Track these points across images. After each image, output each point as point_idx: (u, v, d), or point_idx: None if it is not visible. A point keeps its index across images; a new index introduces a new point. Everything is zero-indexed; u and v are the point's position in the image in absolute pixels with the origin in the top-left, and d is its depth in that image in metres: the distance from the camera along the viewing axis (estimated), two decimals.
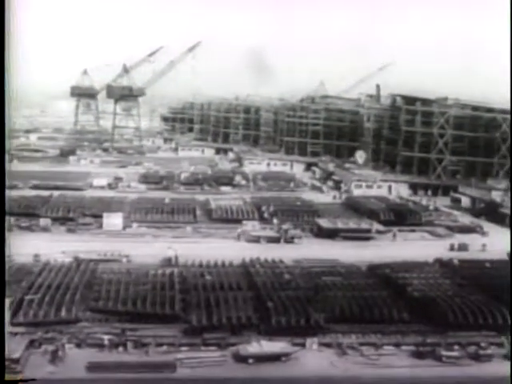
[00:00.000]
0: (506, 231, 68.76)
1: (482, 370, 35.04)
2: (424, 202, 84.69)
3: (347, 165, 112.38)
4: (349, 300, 41.33)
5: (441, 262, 52.27)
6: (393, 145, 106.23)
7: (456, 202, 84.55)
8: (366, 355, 36.32)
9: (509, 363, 33.94)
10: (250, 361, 34.56)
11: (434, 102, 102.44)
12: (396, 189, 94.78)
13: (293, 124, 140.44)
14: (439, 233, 68.05)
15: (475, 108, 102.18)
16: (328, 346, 37.10)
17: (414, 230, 69.61)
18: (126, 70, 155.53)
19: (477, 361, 35.97)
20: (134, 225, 67.70)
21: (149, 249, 56.95)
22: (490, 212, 75.98)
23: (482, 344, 36.92)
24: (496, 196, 79.36)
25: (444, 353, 35.95)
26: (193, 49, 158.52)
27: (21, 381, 29.17)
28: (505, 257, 55.10)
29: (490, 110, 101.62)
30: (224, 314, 38.15)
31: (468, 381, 34.14)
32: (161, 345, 35.52)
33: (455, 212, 79.20)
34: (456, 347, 36.60)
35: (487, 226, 72.08)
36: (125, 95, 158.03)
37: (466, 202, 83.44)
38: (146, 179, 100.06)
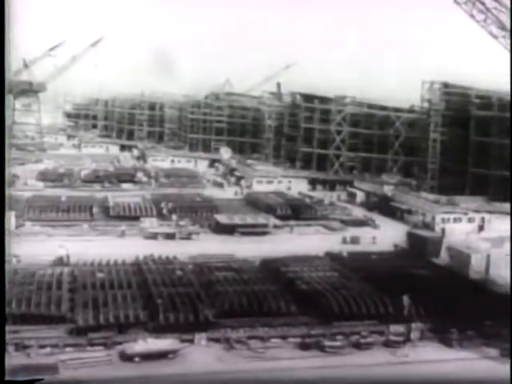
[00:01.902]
0: (395, 224, 71.93)
1: (361, 358, 36.47)
2: (321, 196, 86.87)
3: (249, 161, 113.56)
4: (239, 294, 41.86)
5: (331, 255, 53.86)
6: (293, 141, 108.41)
7: (351, 197, 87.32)
8: (253, 348, 37.02)
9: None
10: (137, 359, 34.48)
11: (331, 100, 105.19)
12: (296, 184, 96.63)
13: (197, 121, 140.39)
14: (333, 226, 70.06)
15: (370, 106, 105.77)
16: (216, 341, 37.51)
17: (309, 225, 71.28)
18: (25, 65, 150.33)
19: (358, 349, 37.45)
20: (28, 224, 65.78)
21: (41, 248, 55.50)
22: (383, 206, 78.96)
23: (364, 333, 38.42)
24: (388, 190, 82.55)
25: (327, 343, 37.16)
26: (95, 44, 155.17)
27: (21, 381, 28.73)
28: (391, 248, 57.60)
29: (383, 108, 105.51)
30: (112, 312, 37.84)
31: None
32: (44, 346, 34.82)
33: (350, 206, 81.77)
34: (339, 337, 37.89)
35: (379, 219, 74.89)
36: (25, 90, 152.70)
37: (360, 196, 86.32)
38: (44, 177, 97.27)
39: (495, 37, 27.32)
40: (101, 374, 33.44)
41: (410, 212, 73.83)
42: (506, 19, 26.59)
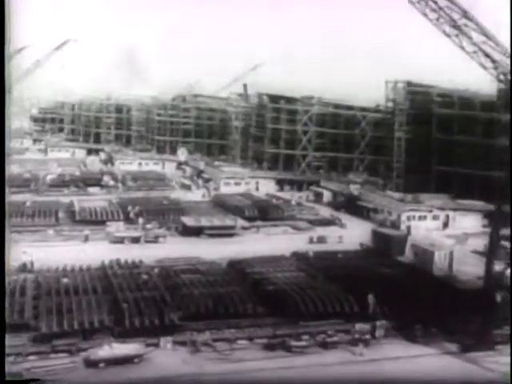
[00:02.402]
0: (362, 223, 72.52)
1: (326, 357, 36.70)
2: (288, 196, 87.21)
3: (217, 162, 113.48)
4: (205, 297, 41.84)
5: (297, 255, 54.13)
6: (260, 142, 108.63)
7: (318, 196, 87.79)
8: (220, 351, 37.03)
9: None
10: (101, 365, 34.25)
11: (297, 101, 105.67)
12: (263, 185, 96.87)
13: (164, 123, 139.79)
14: (300, 226, 70.38)
15: (336, 106, 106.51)
16: (182, 344, 37.43)
17: (277, 225, 71.51)
18: None
19: (324, 348, 37.70)
20: None
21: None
22: (349, 205, 79.57)
23: (329, 332, 38.68)
24: (354, 190, 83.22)
25: (293, 343, 37.34)
26: (61, 47, 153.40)
27: (21, 381, 28.51)
28: (357, 247, 58.09)
29: (349, 108, 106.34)
30: (76, 318, 37.52)
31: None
32: (7, 355, 34.28)
33: (317, 206, 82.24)
34: (305, 337, 38.10)
35: (346, 218, 75.45)
36: None
37: (327, 195, 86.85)
38: (9, 182, 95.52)
39: (448, 35, 27.67)
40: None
41: (376, 211, 74.56)
42: (458, 17, 26.99)
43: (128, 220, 70.08)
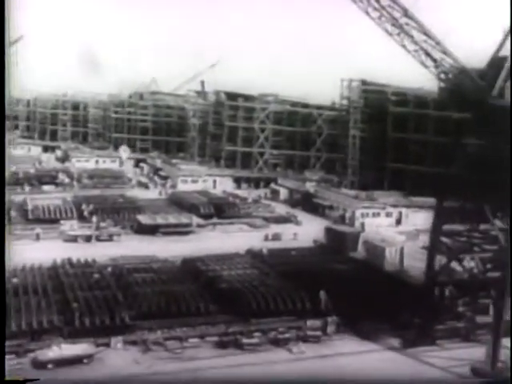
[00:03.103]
0: (317, 220, 73.11)
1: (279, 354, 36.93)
2: (245, 194, 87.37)
3: (174, 160, 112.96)
4: (158, 296, 41.64)
5: (252, 253, 54.25)
6: (217, 140, 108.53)
7: (275, 194, 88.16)
8: (171, 349, 36.91)
9: None
10: (50, 366, 33.81)
11: (255, 98, 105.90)
12: (221, 183, 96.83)
13: (121, 120, 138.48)
14: (256, 224, 70.62)
15: (293, 104, 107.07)
16: (133, 343, 37.20)
17: (232, 223, 71.61)
18: None
19: (276, 345, 37.90)
20: None
21: None
22: (305, 202, 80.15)
23: (281, 329, 38.90)
24: (310, 187, 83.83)
25: (245, 341, 37.45)
26: (15, 43, 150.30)
27: (21, 381, 28.13)
28: (311, 244, 58.54)
29: (306, 106, 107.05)
30: (25, 319, 36.93)
31: None
32: None
33: (273, 203, 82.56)
34: (256, 334, 38.24)
35: (302, 215, 75.96)
36: None
37: (284, 193, 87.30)
38: None
39: (390, 34, 27.98)
40: None
41: (331, 208, 75.24)
42: (399, 16, 27.33)
43: (82, 218, 69.29)
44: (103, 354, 35.71)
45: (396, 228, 68.21)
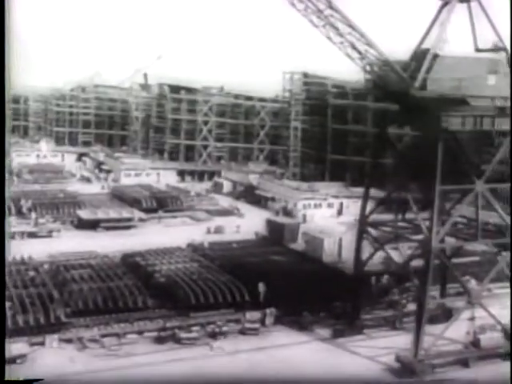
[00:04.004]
0: (260, 212, 73.39)
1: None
2: (189, 187, 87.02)
3: (117, 154, 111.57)
4: (95, 292, 41.09)
5: (193, 246, 54.12)
6: (161, 133, 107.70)
7: (218, 187, 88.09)
8: (108, 346, 36.53)
9: None
10: None
11: (198, 91, 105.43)
12: (165, 176, 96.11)
13: (63, 114, 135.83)
14: (199, 217, 70.46)
15: (236, 96, 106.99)
16: (69, 341, 36.67)
17: (175, 216, 71.28)
18: None
19: (214, 339, 37.94)
20: None
21: None
22: (248, 195, 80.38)
23: (219, 322, 38.95)
24: (253, 179, 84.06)
25: (183, 335, 37.36)
26: None
27: (21, 381, 28.04)
28: (253, 236, 58.75)
29: (249, 98, 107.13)
30: None
31: None
32: None
33: (217, 196, 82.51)
34: (195, 328, 38.20)
35: (245, 208, 76.14)
36: None
37: (227, 185, 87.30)
38: None
39: (316, 26, 28.13)
40: None
41: (273, 200, 75.62)
42: (324, 8, 27.45)
43: (20, 214, 67.80)
44: (37, 354, 35.07)
45: (337, 219, 69.04)
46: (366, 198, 38.22)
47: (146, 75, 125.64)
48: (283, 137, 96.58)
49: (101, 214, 66.82)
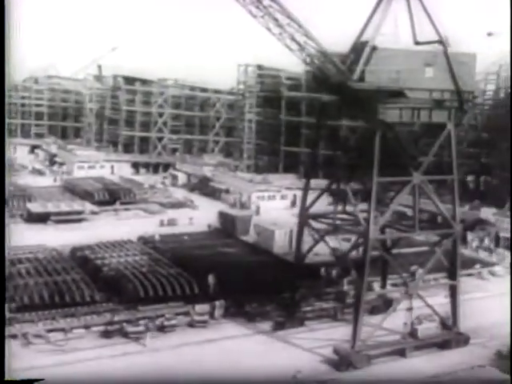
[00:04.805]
0: (214, 204, 73.15)
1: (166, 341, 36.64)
2: (142, 179, 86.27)
3: (71, 146, 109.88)
4: (41, 286, 40.38)
5: (144, 239, 53.63)
6: (115, 125, 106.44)
7: (173, 179, 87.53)
8: (53, 342, 35.90)
9: None
10: None
11: (153, 83, 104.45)
12: (119, 168, 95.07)
13: (15, 105, 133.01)
14: (152, 209, 69.89)
15: (192, 88, 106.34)
16: (13, 337, 35.87)
17: (128, 209, 70.58)
18: None
19: (162, 332, 37.63)
20: None
21: None
22: (203, 187, 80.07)
23: (168, 315, 38.63)
24: (207, 171, 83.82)
25: (130, 329, 36.91)
26: None
27: (21, 381, 26.89)
28: (205, 228, 58.55)
29: (204, 90, 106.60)
30: None
31: None
32: None
33: (171, 188, 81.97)
34: (143, 322, 37.79)
35: (199, 200, 75.82)
36: None
37: (182, 178, 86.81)
38: None
39: (255, 16, 27.87)
40: None
41: (227, 192, 75.46)
42: None
43: None
44: None
45: (291, 210, 69.19)
46: (306, 189, 38.33)
47: (100, 66, 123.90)
48: (238, 129, 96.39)
49: (51, 207, 65.69)
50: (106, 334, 36.89)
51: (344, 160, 36.82)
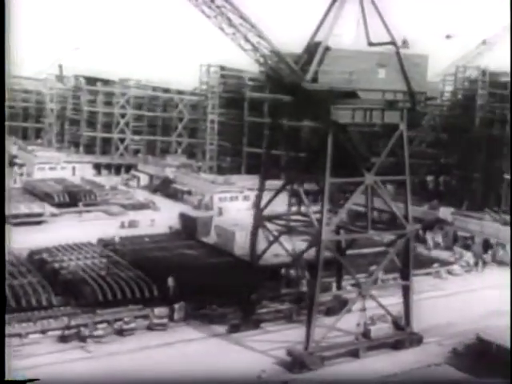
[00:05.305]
0: (176, 205, 72.79)
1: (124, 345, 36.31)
2: (104, 181, 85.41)
3: (31, 147, 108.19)
4: None
5: (104, 242, 53.10)
6: (76, 125, 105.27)
7: (135, 180, 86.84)
8: (8, 347, 35.21)
9: None
10: None
11: (115, 83, 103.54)
12: (80, 169, 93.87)
13: None
14: (114, 211, 69.27)
15: (154, 89, 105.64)
16: None
17: (89, 211, 69.83)
18: None
19: (121, 336, 37.31)
20: None
21: None
22: (165, 188, 79.66)
23: (126, 319, 38.30)
24: (170, 173, 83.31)
25: (88, 333, 36.51)
26: None
27: (21, 381, 27.13)
28: (167, 230, 58.24)
29: (167, 91, 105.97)
30: None
31: None
32: None
33: (133, 190, 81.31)
34: (101, 326, 37.41)
35: (161, 201, 75.38)
36: None
37: (144, 179, 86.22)
38: None
39: (208, 16, 27.79)
40: None
41: (190, 193, 75.19)
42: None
43: None
44: None
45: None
46: (261, 190, 38.39)
47: (61, 66, 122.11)
48: (201, 130, 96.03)
49: (10, 210, 64.48)
50: (63, 339, 36.45)
51: (299, 161, 36.95)
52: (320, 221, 31.95)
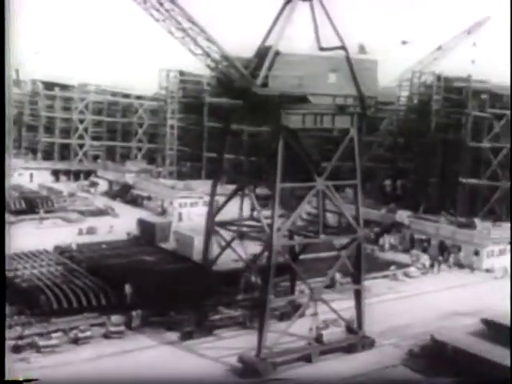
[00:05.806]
0: (135, 211, 72.29)
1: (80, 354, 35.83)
2: (62, 187, 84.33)
3: None
4: None
5: (60, 249, 52.41)
6: (34, 131, 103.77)
7: (94, 186, 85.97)
8: None
9: None
10: None
11: (73, 88, 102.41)
12: (38, 176, 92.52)
13: None
14: (71, 218, 68.42)
15: (113, 94, 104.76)
16: None
17: (47, 218, 68.87)
18: None
19: (76, 344, 36.80)
20: None
21: None
22: (124, 194, 79.00)
23: (82, 327, 37.81)
24: (129, 178, 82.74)
25: (42, 343, 35.91)
26: None
27: (21, 381, 26.95)
28: (125, 237, 57.79)
29: (126, 96, 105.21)
30: None
31: None
32: None
33: (91, 196, 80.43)
34: (56, 335, 36.82)
35: (121, 207, 74.73)
36: None
37: (103, 185, 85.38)
38: None
39: (157, 20, 27.56)
40: None
41: (149, 199, 74.74)
42: (164, 1, 26.84)
43: None
44: None
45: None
46: (212, 195, 38.37)
47: (17, 71, 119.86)
48: (161, 135, 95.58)
49: None
50: (16, 349, 35.76)
51: (251, 165, 37.00)
52: (271, 226, 31.87)
